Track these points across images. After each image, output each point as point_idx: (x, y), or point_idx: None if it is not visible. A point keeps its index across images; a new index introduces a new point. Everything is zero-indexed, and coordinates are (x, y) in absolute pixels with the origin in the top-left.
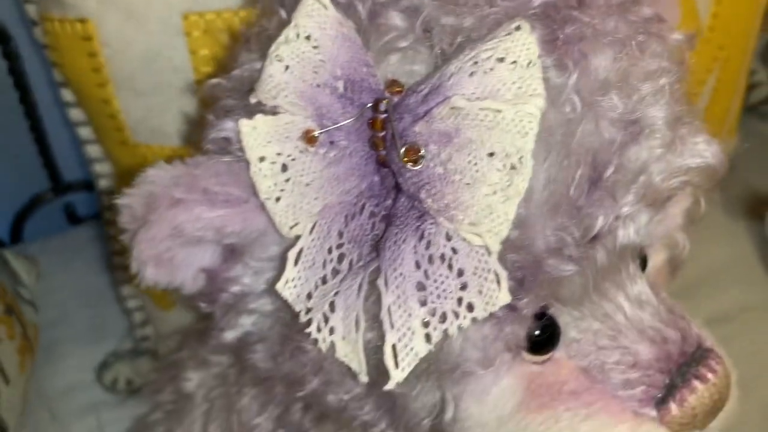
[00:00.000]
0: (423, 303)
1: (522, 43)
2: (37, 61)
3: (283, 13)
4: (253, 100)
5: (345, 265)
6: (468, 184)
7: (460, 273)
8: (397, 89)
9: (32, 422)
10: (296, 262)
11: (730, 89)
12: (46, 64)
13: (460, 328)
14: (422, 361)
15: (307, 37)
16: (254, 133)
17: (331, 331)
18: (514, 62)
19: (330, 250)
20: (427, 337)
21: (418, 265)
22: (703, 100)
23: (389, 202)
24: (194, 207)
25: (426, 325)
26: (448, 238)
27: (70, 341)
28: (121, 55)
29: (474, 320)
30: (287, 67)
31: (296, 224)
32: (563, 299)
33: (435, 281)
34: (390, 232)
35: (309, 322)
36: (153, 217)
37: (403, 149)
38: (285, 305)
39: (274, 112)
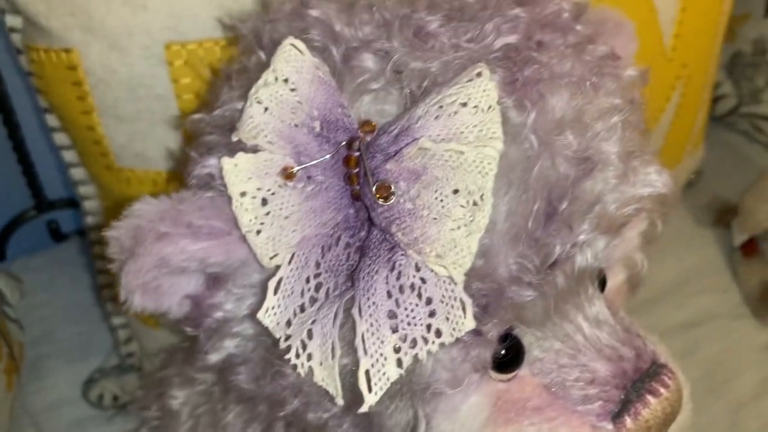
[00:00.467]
0: (394, 330)
1: (483, 89)
2: (21, 84)
3: (262, 55)
4: (234, 138)
5: (322, 293)
6: (435, 219)
7: (429, 301)
8: (370, 128)
9: None
10: (276, 291)
11: (695, 104)
12: (30, 89)
13: (429, 352)
14: (395, 383)
15: (285, 80)
16: (236, 170)
17: (309, 357)
18: (476, 107)
19: (308, 280)
20: (399, 362)
21: (389, 295)
22: (668, 116)
23: (363, 233)
24: (179, 240)
25: (397, 350)
26: (417, 268)
27: (56, 358)
28: (104, 83)
29: (442, 345)
30: (266, 109)
31: (276, 255)
32: (527, 321)
33: (405, 309)
34: (364, 263)
35: (288, 349)
36: (140, 250)
37: (375, 186)
38: (266, 330)
39: (254, 149)
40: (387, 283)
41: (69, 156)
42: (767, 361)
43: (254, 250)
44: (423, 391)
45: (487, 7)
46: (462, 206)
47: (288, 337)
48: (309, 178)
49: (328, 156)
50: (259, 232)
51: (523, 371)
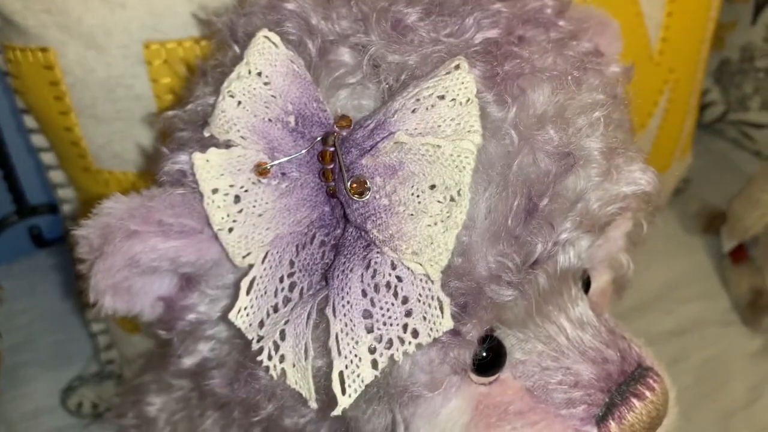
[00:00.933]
0: (369, 330)
1: (461, 82)
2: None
3: (236, 49)
4: (206, 133)
5: (296, 293)
6: (411, 215)
7: (405, 300)
8: (346, 123)
9: None
10: (248, 291)
11: (682, 109)
12: (8, 90)
13: (405, 353)
14: (372, 385)
15: (259, 74)
16: (207, 166)
17: (282, 358)
18: (453, 100)
19: (281, 279)
20: (374, 363)
21: (364, 293)
22: (655, 121)
23: (339, 231)
24: (149, 238)
25: (372, 351)
26: (393, 266)
27: (35, 365)
28: (82, 83)
29: (419, 346)
30: (239, 103)
31: (249, 254)
32: (508, 322)
33: (381, 308)
34: (338, 261)
35: (261, 350)
36: (109, 249)
37: (349, 181)
38: (240, 333)
39: (227, 145)
40: (362, 281)
41: (47, 158)
42: (757, 368)
43: (226, 248)
44: (401, 395)
45: (467, 1)
46: (439, 201)
47: (260, 339)
48: (283, 174)
49: (303, 152)
50: (231, 230)
51: (505, 374)
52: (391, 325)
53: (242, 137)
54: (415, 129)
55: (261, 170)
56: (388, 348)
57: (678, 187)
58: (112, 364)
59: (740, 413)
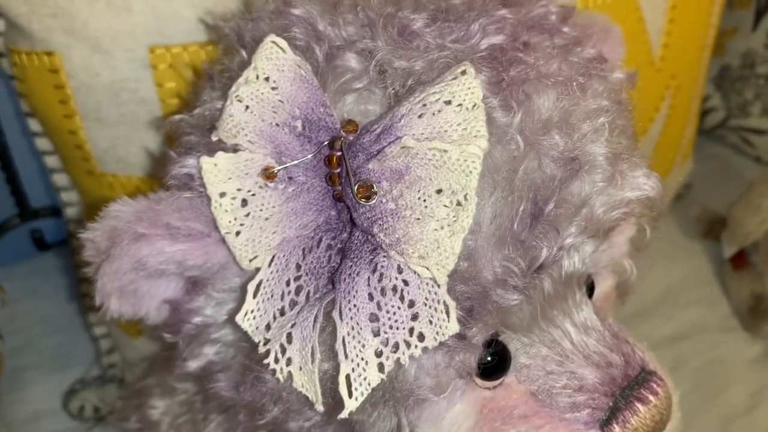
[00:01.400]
0: (376, 333)
1: (467, 87)
2: (4, 89)
3: (243, 54)
4: (214, 137)
5: (302, 297)
6: (418, 219)
7: (411, 304)
8: (352, 128)
9: None
10: (255, 295)
11: (684, 115)
12: (12, 93)
13: (411, 357)
14: (377, 389)
15: (266, 79)
16: (215, 170)
17: (288, 362)
18: (460, 105)
19: (288, 283)
20: (380, 367)
21: (371, 297)
22: (657, 127)
23: (345, 235)
24: (156, 241)
25: (379, 354)
26: (400, 270)
27: (36, 369)
28: (87, 87)
29: (425, 349)
30: (247, 107)
31: (255, 257)
32: (513, 327)
33: (387, 312)
34: (345, 264)
35: (267, 353)
36: (116, 252)
37: (356, 185)
38: (246, 336)
39: (234, 149)
40: (368, 285)
41: (51, 161)
42: (757, 374)
43: (233, 252)
44: (406, 398)
45: (472, 8)
46: (445, 206)
47: (267, 342)
48: (290, 178)
49: (309, 156)
50: (238, 233)
51: (510, 378)
52: (397, 328)
53: (250, 141)
54: (422, 134)
55: (268, 174)
56: (395, 351)
57: (679, 193)
58: (114, 368)
59: (740, 419)
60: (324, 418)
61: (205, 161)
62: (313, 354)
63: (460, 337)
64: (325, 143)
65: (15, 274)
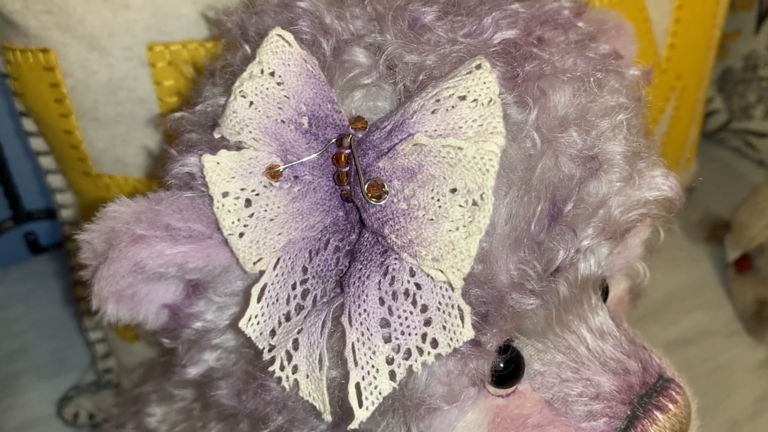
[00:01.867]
0: (387, 339)
1: (483, 82)
2: None
3: (247, 48)
4: (216, 135)
5: (309, 301)
6: (431, 219)
7: (424, 309)
8: (361, 125)
9: None
10: (259, 299)
11: (689, 116)
12: (7, 93)
13: (424, 364)
14: (387, 397)
15: (272, 74)
16: (218, 169)
17: (295, 369)
18: (475, 100)
19: (294, 286)
20: (392, 375)
21: (382, 301)
22: (662, 128)
23: (354, 236)
24: (156, 243)
25: (390, 362)
26: (412, 273)
27: (30, 374)
28: (83, 85)
29: (438, 356)
30: (251, 103)
31: (260, 260)
32: (527, 332)
33: (399, 317)
34: (354, 267)
35: (272, 360)
36: (114, 254)
37: (366, 185)
38: (249, 341)
39: (237, 147)
40: (379, 289)
41: (46, 162)
42: (762, 378)
43: (236, 254)
44: (417, 407)
45: (484, 2)
46: (461, 206)
47: (272, 348)
48: (296, 177)
49: (316, 154)
50: (242, 235)
51: (523, 386)
52: (409, 334)
53: (254, 139)
54: (435, 130)
55: (273, 173)
56: (407, 358)
57: None
58: (110, 374)
59: (745, 425)
60: (331, 428)
61: (207, 159)
62: (320, 361)
63: (474, 343)
64: (333, 141)
65: (8, 277)
